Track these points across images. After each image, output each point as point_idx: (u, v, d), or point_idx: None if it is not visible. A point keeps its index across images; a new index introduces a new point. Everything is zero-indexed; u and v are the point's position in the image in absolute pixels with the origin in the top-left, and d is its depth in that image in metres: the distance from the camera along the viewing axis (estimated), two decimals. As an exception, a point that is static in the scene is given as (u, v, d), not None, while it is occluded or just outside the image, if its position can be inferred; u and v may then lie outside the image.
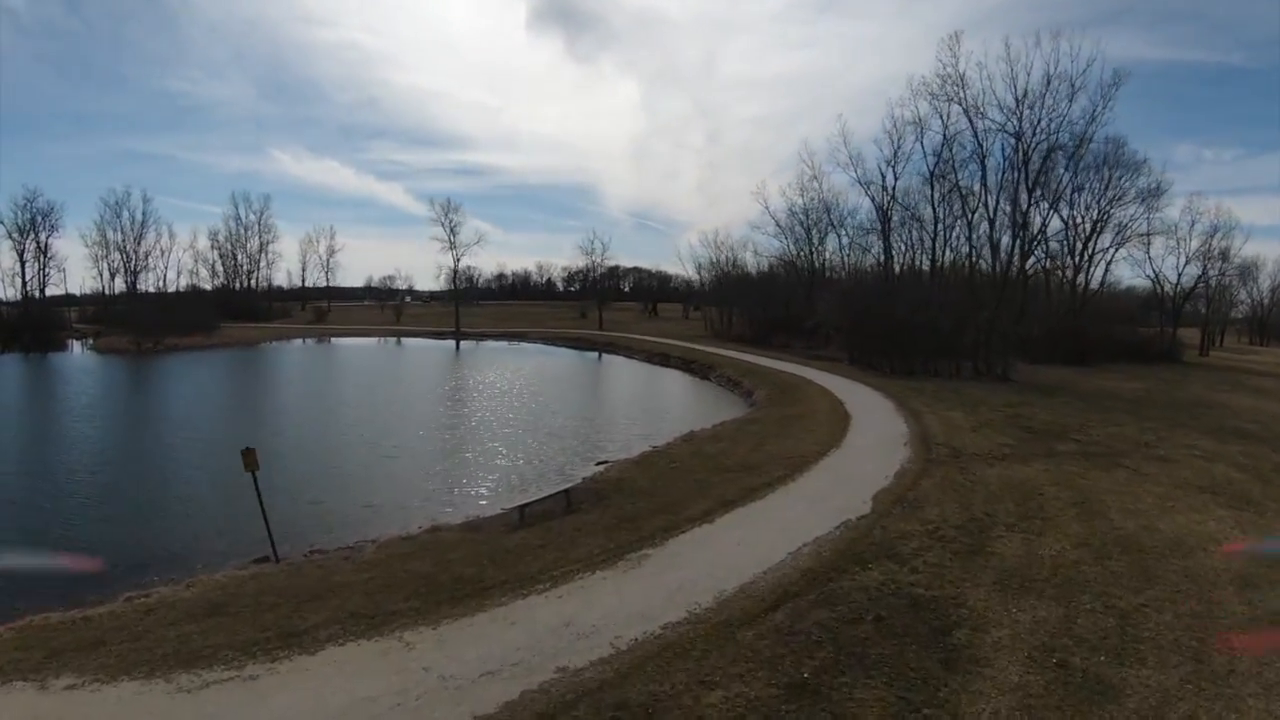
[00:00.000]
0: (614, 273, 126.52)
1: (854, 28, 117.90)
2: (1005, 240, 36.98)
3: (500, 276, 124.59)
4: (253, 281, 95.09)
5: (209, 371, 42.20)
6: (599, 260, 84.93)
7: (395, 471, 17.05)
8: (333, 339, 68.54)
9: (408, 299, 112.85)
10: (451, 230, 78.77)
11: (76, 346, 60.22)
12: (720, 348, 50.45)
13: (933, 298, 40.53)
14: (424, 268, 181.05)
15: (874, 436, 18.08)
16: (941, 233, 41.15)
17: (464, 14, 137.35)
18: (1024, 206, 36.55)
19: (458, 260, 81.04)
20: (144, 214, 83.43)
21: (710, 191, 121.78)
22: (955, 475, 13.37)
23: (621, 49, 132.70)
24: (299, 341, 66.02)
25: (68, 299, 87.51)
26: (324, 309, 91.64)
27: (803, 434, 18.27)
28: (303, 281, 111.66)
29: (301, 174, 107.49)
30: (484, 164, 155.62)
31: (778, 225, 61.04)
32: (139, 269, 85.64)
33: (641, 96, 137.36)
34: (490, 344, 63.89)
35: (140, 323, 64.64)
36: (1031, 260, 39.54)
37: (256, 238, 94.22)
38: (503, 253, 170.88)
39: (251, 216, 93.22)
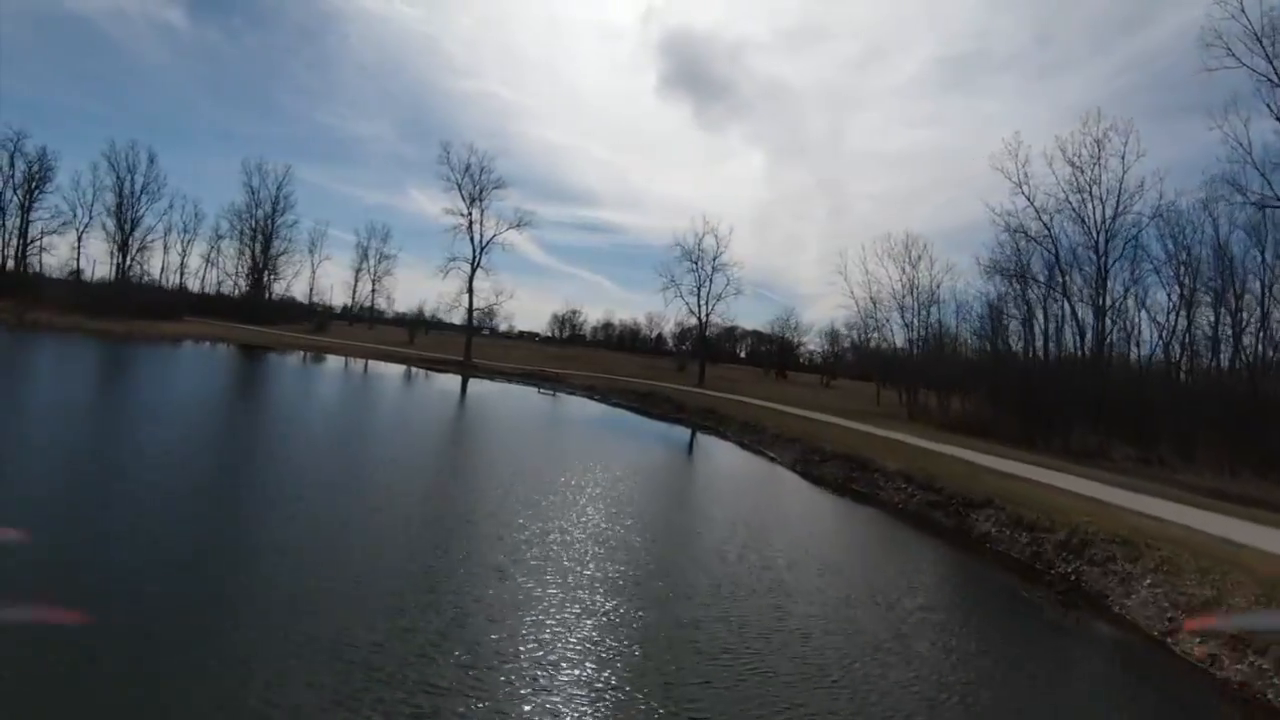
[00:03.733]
0: (730, 334, 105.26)
1: (978, 106, 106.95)
2: None
3: (608, 325, 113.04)
4: (271, 279, 75.82)
5: None
6: (706, 270, 52.99)
7: None
8: (291, 353, 45.13)
9: (484, 332, 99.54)
10: (473, 197, 51.72)
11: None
12: (982, 451, 20.48)
13: None
14: (531, 309, 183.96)
15: None
16: None
17: (597, 75, 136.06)
18: None
19: (481, 249, 51.89)
20: (145, 178, 66.94)
21: (830, 266, 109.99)
22: None
23: (748, 119, 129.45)
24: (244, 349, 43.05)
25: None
26: (325, 321, 70.26)
27: None
28: (353, 296, 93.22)
29: (436, 214, 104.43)
30: (608, 221, 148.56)
31: (1038, 222, 31.15)
32: (136, 245, 69.11)
33: (766, 166, 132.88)
34: (503, 387, 37.50)
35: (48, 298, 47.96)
36: None
37: (269, 224, 73.78)
38: (621, 310, 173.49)
39: (267, 192, 73.23)
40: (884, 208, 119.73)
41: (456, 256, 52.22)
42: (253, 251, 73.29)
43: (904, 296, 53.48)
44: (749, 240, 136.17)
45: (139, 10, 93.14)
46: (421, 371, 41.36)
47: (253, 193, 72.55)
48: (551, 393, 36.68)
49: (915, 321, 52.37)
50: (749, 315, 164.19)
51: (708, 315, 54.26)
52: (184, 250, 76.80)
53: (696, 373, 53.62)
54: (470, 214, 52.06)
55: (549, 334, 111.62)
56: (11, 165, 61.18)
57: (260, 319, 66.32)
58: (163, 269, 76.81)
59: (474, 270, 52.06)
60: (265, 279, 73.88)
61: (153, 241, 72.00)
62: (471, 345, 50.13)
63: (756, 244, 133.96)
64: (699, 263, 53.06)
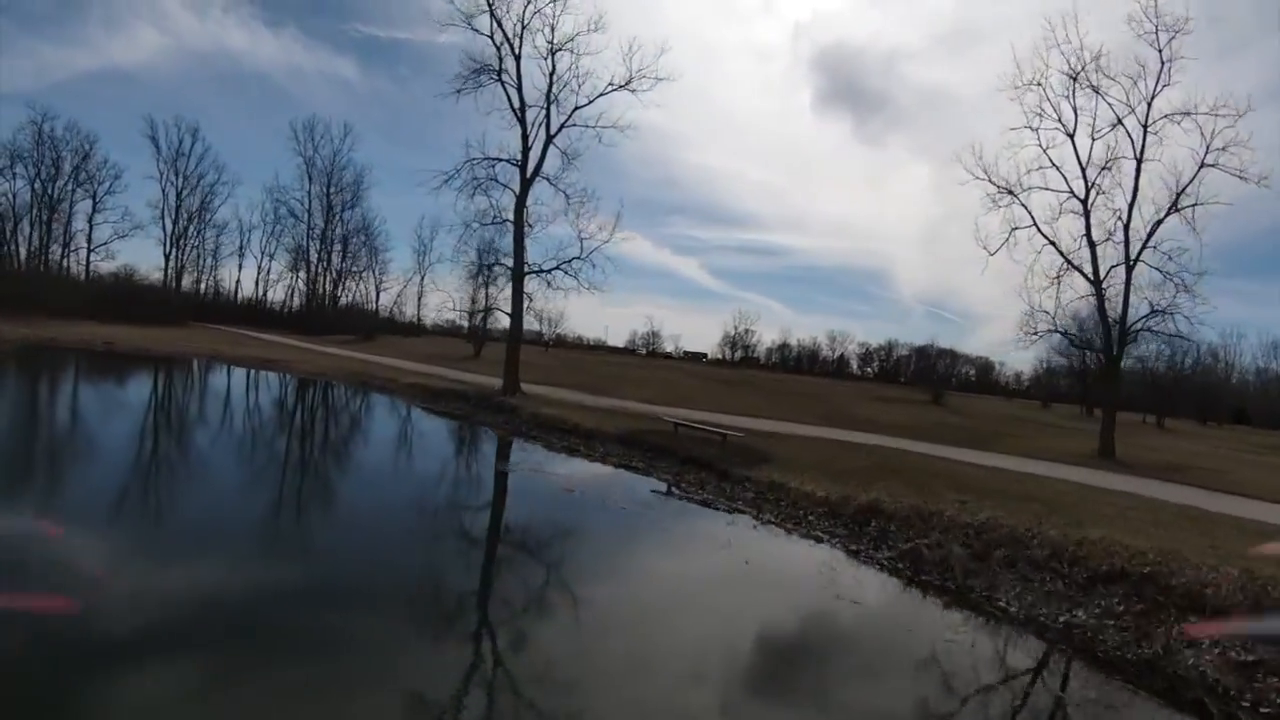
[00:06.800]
0: (923, 354, 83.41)
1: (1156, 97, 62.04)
2: None
3: (783, 346, 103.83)
4: (331, 279, 61.26)
5: None
6: (1131, 142, 20.41)
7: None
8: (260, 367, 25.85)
9: (643, 351, 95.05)
10: (519, 17, 22.62)
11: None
12: None
13: None
14: (700, 332, 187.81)
15: None
16: None
17: (751, 97, 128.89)
18: None
19: (547, 138, 22.74)
20: (196, 157, 54.79)
21: (1009, 283, 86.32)
22: None
23: (909, 130, 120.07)
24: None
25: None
26: (372, 333, 53.40)
27: None
28: (471, 304, 76.79)
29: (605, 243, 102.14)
30: (772, 244, 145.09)
31: None
32: (194, 244, 57.17)
33: (932, 179, 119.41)
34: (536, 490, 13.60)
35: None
36: None
37: (326, 200, 58.70)
38: (797, 331, 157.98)
39: (323, 163, 58.08)
40: (1060, 218, 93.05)
41: (502, 156, 23.05)
42: (306, 243, 59.06)
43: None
44: (918, 258, 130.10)
45: (314, 66, 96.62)
46: (413, 411, 19.65)
47: (306, 164, 58.09)
48: (728, 515, 12.10)
49: None
50: (916, 333, 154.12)
51: (1136, 257, 19.89)
52: (263, 254, 65.45)
53: (962, 413, 26.72)
54: (511, 46, 22.70)
55: (719, 356, 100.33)
56: (38, 152, 50.34)
57: (315, 330, 50.52)
58: (239, 277, 66.12)
59: (526, 185, 22.79)
60: (327, 280, 59.25)
61: (227, 250, 61.68)
62: (519, 359, 23.96)
63: (927, 261, 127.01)
64: (1095, 125, 20.27)
